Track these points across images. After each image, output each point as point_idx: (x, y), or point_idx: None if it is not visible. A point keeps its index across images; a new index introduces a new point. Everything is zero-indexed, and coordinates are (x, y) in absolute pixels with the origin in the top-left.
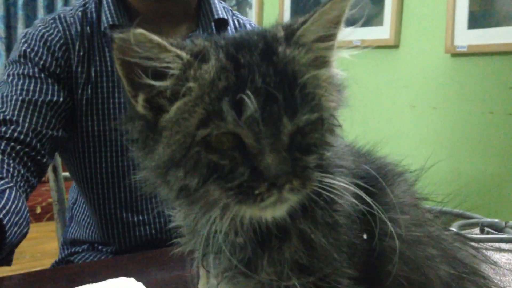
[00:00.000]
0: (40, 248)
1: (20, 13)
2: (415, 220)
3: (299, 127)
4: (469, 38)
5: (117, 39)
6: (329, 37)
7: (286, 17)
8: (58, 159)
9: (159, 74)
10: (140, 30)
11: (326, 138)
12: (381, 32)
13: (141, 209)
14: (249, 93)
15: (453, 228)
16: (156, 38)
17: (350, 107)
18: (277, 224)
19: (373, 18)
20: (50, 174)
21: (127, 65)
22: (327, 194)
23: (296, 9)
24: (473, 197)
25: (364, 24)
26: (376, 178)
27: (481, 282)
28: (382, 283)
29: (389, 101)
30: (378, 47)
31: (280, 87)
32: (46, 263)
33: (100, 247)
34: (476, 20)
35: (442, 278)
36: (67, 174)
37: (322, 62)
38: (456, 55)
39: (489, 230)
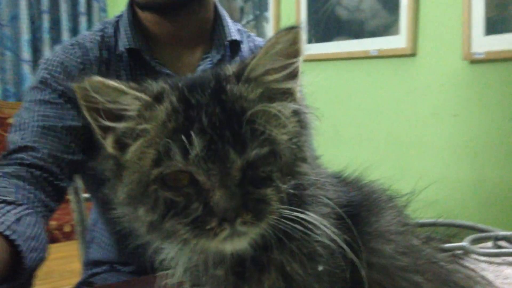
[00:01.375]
0: (68, 267)
1: (46, 37)
2: (401, 248)
3: (249, 162)
4: (486, 44)
5: (77, 88)
6: (281, 68)
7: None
8: (78, 182)
9: (120, 116)
10: (96, 78)
11: (284, 169)
12: (398, 41)
13: None
14: (193, 134)
15: (465, 243)
16: (112, 83)
17: (372, 117)
18: (254, 256)
19: (389, 28)
20: (71, 195)
21: (92, 110)
22: (295, 226)
23: (312, 23)
24: (496, 206)
25: (380, 34)
26: (360, 206)
27: None
28: None
29: (410, 109)
30: (396, 56)
31: (227, 125)
32: (74, 282)
33: (119, 267)
34: (493, 26)
35: None
36: (87, 195)
37: (274, 94)
38: (474, 62)
39: (503, 244)
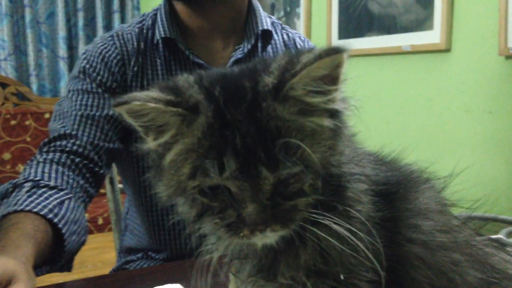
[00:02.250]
0: (101, 257)
1: (81, 34)
2: (440, 226)
3: (280, 180)
4: None
5: (117, 111)
6: (321, 92)
7: (334, 27)
8: (114, 172)
9: (159, 131)
10: (133, 103)
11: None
12: (432, 37)
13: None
14: (229, 156)
15: (501, 235)
16: (150, 104)
17: (404, 114)
18: (294, 231)
19: (423, 23)
20: (107, 185)
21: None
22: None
23: (344, 19)
24: None
25: (414, 29)
26: (399, 184)
27: None
28: None
29: (443, 106)
30: (429, 51)
31: (260, 144)
32: (106, 272)
33: (153, 254)
34: None
35: (470, 283)
36: (122, 186)
37: (311, 111)
38: (510, 57)
39: None
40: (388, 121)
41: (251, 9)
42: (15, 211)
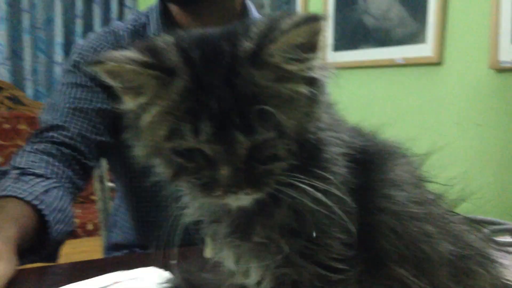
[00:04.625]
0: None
1: (79, 41)
2: (414, 198)
3: (255, 144)
4: None
5: (98, 70)
6: (299, 60)
7: (329, 39)
8: (104, 170)
9: (137, 92)
10: (109, 63)
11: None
12: (424, 50)
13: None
14: (204, 120)
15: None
16: (127, 66)
17: (393, 125)
18: (269, 194)
19: (416, 36)
20: (96, 184)
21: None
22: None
23: (339, 31)
24: None
25: (407, 42)
26: (375, 154)
27: (489, 265)
28: (376, 258)
29: (433, 118)
30: (422, 64)
31: (236, 110)
32: None
33: (139, 251)
34: None
35: (442, 254)
36: (112, 185)
37: (287, 78)
38: (500, 70)
39: None
40: (380, 132)
41: (244, 11)
42: (0, 197)
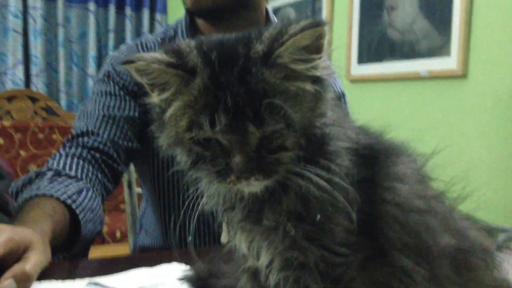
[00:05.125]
0: None
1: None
2: (417, 192)
3: (265, 135)
4: None
5: (125, 69)
6: (305, 60)
7: (354, 51)
8: (132, 176)
9: (162, 88)
10: (139, 62)
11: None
12: (449, 63)
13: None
14: (220, 113)
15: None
16: (154, 65)
17: (420, 138)
18: (277, 182)
19: (440, 49)
20: (125, 189)
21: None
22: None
23: (363, 44)
24: None
25: (431, 55)
26: (380, 151)
27: (489, 260)
28: (380, 246)
29: (459, 131)
30: (446, 77)
31: (249, 104)
32: None
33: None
34: None
35: (443, 247)
36: (139, 190)
37: (295, 77)
38: None
39: None
40: (386, 132)
41: (268, 24)
42: (36, 195)
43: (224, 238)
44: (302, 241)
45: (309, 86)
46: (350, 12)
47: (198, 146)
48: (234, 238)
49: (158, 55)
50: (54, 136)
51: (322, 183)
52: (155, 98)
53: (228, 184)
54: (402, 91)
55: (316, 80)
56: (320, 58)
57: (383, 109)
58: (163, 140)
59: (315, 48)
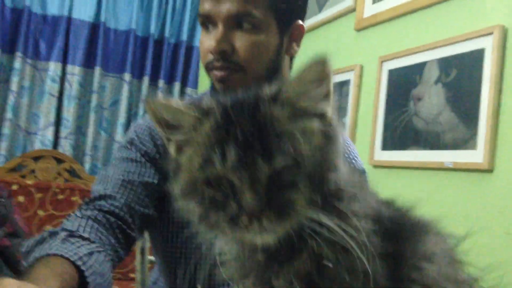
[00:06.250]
0: None
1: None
2: (447, 274)
3: (275, 171)
4: None
5: (147, 107)
6: (311, 98)
7: (378, 138)
8: (146, 244)
9: (178, 129)
10: (160, 101)
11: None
12: (475, 156)
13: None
14: (230, 147)
15: None
16: (172, 105)
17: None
18: (289, 240)
19: (466, 142)
20: (137, 256)
21: (159, 123)
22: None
23: (388, 131)
24: None
25: (457, 147)
26: (404, 225)
27: None
28: None
29: (483, 226)
30: (471, 170)
31: (259, 140)
32: None
33: None
34: None
35: None
36: (152, 258)
37: (303, 114)
38: None
39: None
40: (414, 209)
41: None
42: (48, 255)
43: None
44: None
45: (315, 124)
46: (377, 98)
47: (210, 189)
48: None
49: (178, 101)
50: (73, 198)
51: (345, 236)
52: (171, 149)
53: (240, 230)
54: (425, 180)
55: (322, 118)
56: (326, 96)
57: (404, 196)
58: (177, 187)
59: (320, 82)
